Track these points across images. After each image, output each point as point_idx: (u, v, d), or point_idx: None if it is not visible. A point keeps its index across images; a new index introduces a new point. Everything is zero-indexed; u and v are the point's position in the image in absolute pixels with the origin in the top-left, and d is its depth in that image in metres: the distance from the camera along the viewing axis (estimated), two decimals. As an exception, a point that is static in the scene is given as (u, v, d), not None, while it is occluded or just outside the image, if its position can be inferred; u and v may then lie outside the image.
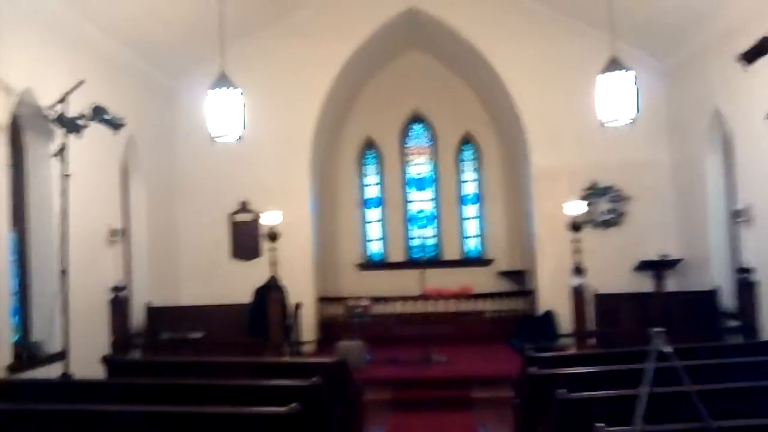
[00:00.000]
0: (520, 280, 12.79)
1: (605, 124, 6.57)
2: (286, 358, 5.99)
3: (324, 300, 11.88)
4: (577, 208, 8.31)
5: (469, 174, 13.80)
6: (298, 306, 8.65)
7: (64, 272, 6.15)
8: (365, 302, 10.14)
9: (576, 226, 8.26)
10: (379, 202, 13.83)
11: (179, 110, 10.97)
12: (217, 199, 11.02)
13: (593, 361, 5.56)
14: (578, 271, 8.12)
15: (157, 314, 9.18)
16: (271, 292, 8.22)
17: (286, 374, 5.56)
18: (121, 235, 8.49)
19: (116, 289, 8.02)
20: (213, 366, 5.96)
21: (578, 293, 8.05)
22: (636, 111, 6.65)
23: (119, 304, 8.03)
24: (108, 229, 8.25)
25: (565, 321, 10.17)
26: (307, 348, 10.51)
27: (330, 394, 5.49)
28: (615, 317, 8.81)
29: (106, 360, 5.72)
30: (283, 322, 8.22)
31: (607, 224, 10.68)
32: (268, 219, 8.44)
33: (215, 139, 6.86)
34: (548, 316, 10.33)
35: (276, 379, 5.21)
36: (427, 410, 7.93)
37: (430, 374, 8.64)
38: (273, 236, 8.44)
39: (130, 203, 9.46)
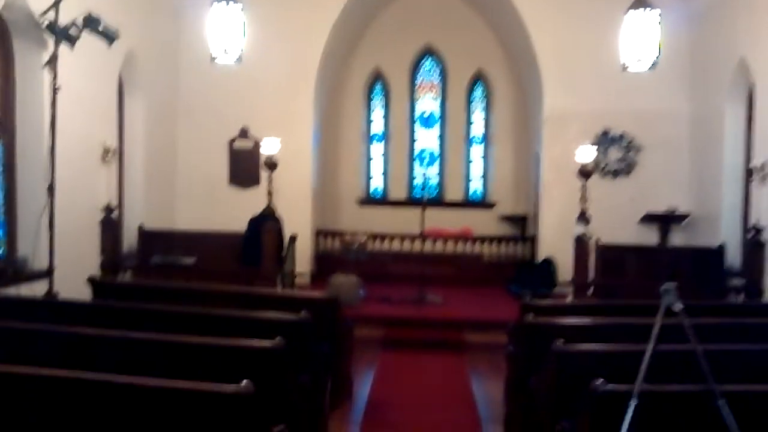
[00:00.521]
0: (522, 226, 12.58)
1: (627, 68, 6.19)
2: (278, 290, 5.82)
3: (322, 233, 11.71)
4: (588, 154, 8.00)
5: (478, 114, 13.40)
6: (293, 238, 8.45)
7: (50, 188, 5.91)
8: (362, 238, 9.95)
9: (585, 172, 7.98)
10: (383, 137, 13.49)
11: (184, 26, 10.48)
12: (217, 123, 10.69)
13: (592, 312, 5.37)
14: (583, 218, 7.87)
15: (149, 237, 8.98)
16: (266, 222, 8.00)
17: (275, 307, 5.38)
18: (115, 154, 8.21)
19: (107, 209, 7.79)
20: (201, 294, 5.78)
21: (581, 242, 7.82)
22: (658, 54, 6.26)
23: (110, 225, 7.81)
24: (102, 147, 7.96)
25: (566, 270, 10.00)
26: (301, 280, 10.36)
27: (319, 330, 5.33)
28: (617, 269, 8.59)
29: (92, 281, 5.53)
30: (277, 253, 8.03)
31: (616, 173, 10.38)
32: (267, 147, 8.14)
33: (214, 59, 6.50)
34: (547, 264, 10.14)
35: (264, 311, 5.03)
36: (418, 351, 7.81)
37: (423, 314, 8.51)
38: (271, 165, 8.16)
39: (125, 121, 9.13)
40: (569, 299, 9.21)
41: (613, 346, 3.91)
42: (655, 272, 8.85)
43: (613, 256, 8.62)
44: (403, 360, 7.61)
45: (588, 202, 7.93)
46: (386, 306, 8.91)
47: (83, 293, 5.65)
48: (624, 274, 8.80)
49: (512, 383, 5.17)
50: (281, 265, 8.16)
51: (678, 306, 3.15)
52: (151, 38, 9.53)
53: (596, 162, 10.20)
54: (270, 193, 8.10)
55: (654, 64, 6.24)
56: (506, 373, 5.47)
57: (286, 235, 8.59)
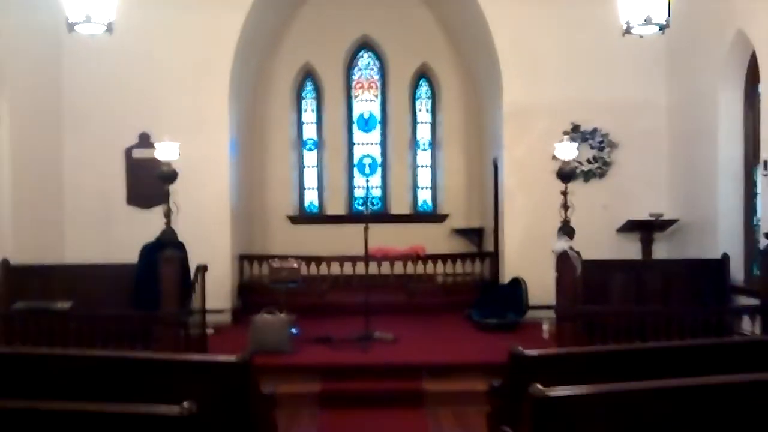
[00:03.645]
0: (478, 240, 11.05)
1: (630, 29, 4.67)
2: (165, 355, 4.06)
3: (246, 258, 9.85)
4: (568, 150, 6.47)
5: (424, 115, 11.84)
6: (201, 268, 6.60)
7: None
8: (294, 263, 8.16)
9: (565, 174, 6.46)
10: (317, 143, 11.75)
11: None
12: (111, 127, 8.74)
13: (596, 365, 3.88)
14: (565, 231, 6.32)
15: (18, 275, 6.98)
16: (164, 250, 6.15)
17: (159, 382, 3.66)
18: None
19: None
20: (58, 363, 3.94)
21: (564, 260, 6.26)
22: (667, 16, 4.79)
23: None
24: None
25: (536, 292, 8.46)
26: (220, 320, 8.51)
27: (220, 417, 3.65)
28: (600, 290, 7.08)
29: None
30: (180, 290, 6.19)
31: (588, 175, 8.91)
32: (163, 153, 6.30)
33: (74, 26, 4.68)
34: (516, 285, 8.57)
35: (132, 404, 3.28)
36: (366, 408, 6.08)
37: (371, 359, 6.77)
38: (168, 177, 6.32)
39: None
40: (546, 329, 7.66)
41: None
42: (644, 292, 7.41)
43: (596, 275, 7.08)
44: (347, 422, 5.89)
45: (570, 210, 6.38)
46: (325, 349, 7.15)
47: None
48: (608, 296, 7.30)
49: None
50: (185, 306, 6.31)
51: None
52: (16, 15, 7.51)
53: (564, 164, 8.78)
54: (168, 213, 6.26)
55: (663, 27, 4.73)
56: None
57: (193, 265, 6.74)
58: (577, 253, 6.29)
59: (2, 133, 7.30)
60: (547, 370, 4.02)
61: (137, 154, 8.69)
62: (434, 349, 7.25)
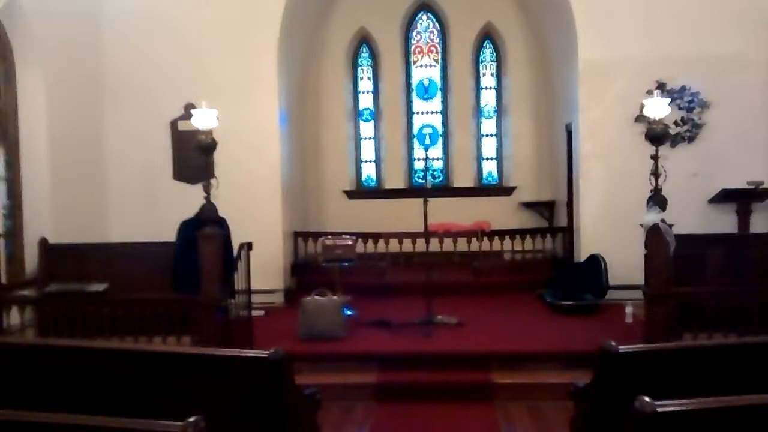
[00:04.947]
0: (549, 215, 10.19)
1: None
2: (183, 349, 3.49)
3: (301, 235, 9.30)
4: (659, 107, 5.57)
5: (488, 80, 10.98)
6: (243, 247, 6.04)
7: None
8: (348, 240, 7.57)
9: (656, 135, 5.55)
10: (374, 113, 11.06)
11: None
12: (155, 99, 8.26)
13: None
14: (656, 201, 5.45)
15: (57, 255, 6.58)
16: (203, 227, 5.61)
17: (179, 379, 3.13)
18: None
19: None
20: (79, 355, 3.46)
21: (655, 234, 5.40)
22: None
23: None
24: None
25: (617, 269, 7.63)
26: (272, 300, 8.02)
27: (249, 423, 3.07)
28: (696, 269, 6.19)
29: None
30: (222, 270, 5.65)
31: (675, 140, 7.92)
32: (200, 120, 5.73)
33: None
34: (594, 263, 7.73)
35: (154, 398, 2.74)
36: (427, 401, 5.44)
37: (433, 347, 6.10)
38: (206, 148, 5.77)
39: (18, 103, 6.76)
40: (629, 312, 6.82)
41: None
42: (745, 270, 6.45)
43: (689, 251, 6.16)
44: (406, 417, 5.26)
45: (662, 177, 5.50)
46: (382, 334, 6.51)
47: None
48: (704, 276, 6.38)
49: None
50: (229, 287, 5.77)
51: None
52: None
53: (648, 126, 7.84)
54: (207, 187, 5.71)
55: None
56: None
57: (240, 243, 6.18)
58: (670, 226, 5.43)
59: (39, 103, 6.88)
60: (645, 369, 3.28)
61: (183, 126, 8.16)
62: (504, 335, 6.51)
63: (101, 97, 8.23)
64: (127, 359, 3.40)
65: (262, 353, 3.21)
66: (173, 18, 8.24)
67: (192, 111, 5.92)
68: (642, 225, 5.53)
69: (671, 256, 5.42)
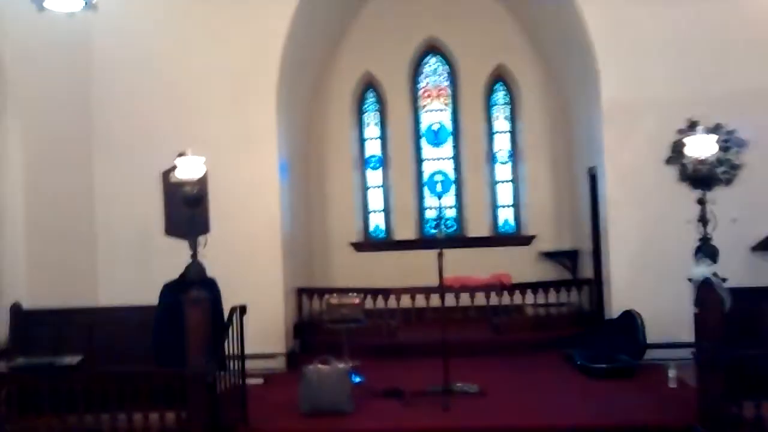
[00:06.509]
0: (571, 265, 9.48)
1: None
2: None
3: (305, 292, 8.61)
4: (705, 145, 4.93)
5: (501, 123, 10.42)
6: (235, 311, 5.35)
7: None
8: (355, 298, 6.89)
9: (702, 177, 4.91)
10: (381, 161, 10.48)
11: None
12: (146, 150, 7.73)
13: None
14: (706, 252, 4.76)
15: (32, 321, 5.91)
16: (189, 290, 4.96)
17: None
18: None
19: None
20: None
21: (707, 290, 4.69)
22: None
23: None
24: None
25: (653, 326, 6.90)
26: (273, 365, 7.31)
27: None
28: (749, 328, 5.44)
29: None
30: (210, 338, 4.96)
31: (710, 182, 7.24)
32: (184, 170, 5.15)
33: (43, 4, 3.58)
34: (629, 319, 6.99)
35: None
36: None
37: (452, 422, 5.33)
38: (192, 200, 5.18)
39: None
40: (673, 376, 6.04)
41: None
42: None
43: (740, 307, 5.43)
44: None
45: (712, 224, 4.83)
46: (395, 406, 5.75)
47: None
48: (759, 335, 5.62)
49: None
50: (218, 358, 5.07)
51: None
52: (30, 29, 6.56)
53: (680, 169, 7.22)
54: (194, 244, 5.09)
55: None
56: None
57: (231, 304, 5.50)
58: (723, 280, 4.73)
59: (16, 165, 6.33)
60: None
61: (174, 178, 7.59)
62: (531, 405, 5.72)
63: (89, 148, 7.74)
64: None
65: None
66: (167, 66, 7.80)
67: (176, 160, 5.31)
68: (691, 279, 4.82)
69: (726, 314, 4.70)
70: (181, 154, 7.50)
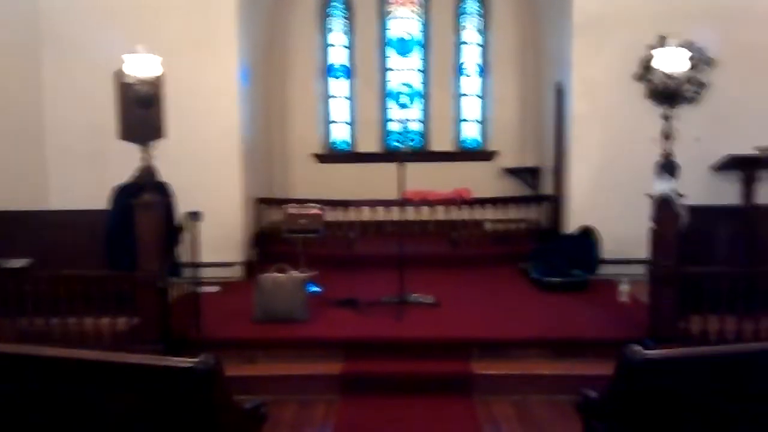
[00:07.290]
0: (533, 181, 9.48)
1: None
2: (89, 354, 2.73)
3: (265, 202, 8.49)
4: (676, 60, 4.82)
5: (471, 34, 10.12)
6: (191, 215, 5.22)
7: None
8: (315, 209, 6.80)
9: (670, 93, 4.83)
10: (347, 70, 10.18)
11: None
12: (98, 50, 7.30)
13: None
14: (668, 169, 4.74)
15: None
16: (141, 194, 4.80)
17: (87, 395, 2.37)
18: None
19: None
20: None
21: (666, 206, 4.71)
22: None
23: None
24: None
25: (608, 242, 6.99)
26: (231, 274, 7.26)
27: None
28: (704, 246, 5.52)
29: None
30: (163, 242, 4.85)
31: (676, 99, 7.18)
32: (136, 68, 4.88)
33: None
34: (586, 235, 7.05)
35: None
36: (398, 395, 4.78)
37: (406, 331, 5.38)
38: (144, 100, 4.95)
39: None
40: (624, 290, 6.15)
41: None
42: (758, 248, 5.80)
43: (696, 225, 5.47)
44: (374, 413, 4.59)
45: (672, 141, 4.79)
46: (349, 316, 5.79)
47: None
48: (712, 253, 5.74)
49: None
50: (171, 263, 4.98)
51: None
52: None
53: (647, 86, 7.11)
54: (146, 147, 4.89)
55: None
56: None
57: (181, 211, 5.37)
58: (681, 196, 4.74)
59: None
60: (675, 377, 2.56)
61: (130, 78, 7.25)
62: (485, 316, 5.80)
63: (38, 49, 7.30)
64: (26, 364, 2.61)
65: (187, 362, 2.43)
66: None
67: (124, 56, 5.04)
68: (651, 196, 4.82)
69: (681, 231, 4.74)
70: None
